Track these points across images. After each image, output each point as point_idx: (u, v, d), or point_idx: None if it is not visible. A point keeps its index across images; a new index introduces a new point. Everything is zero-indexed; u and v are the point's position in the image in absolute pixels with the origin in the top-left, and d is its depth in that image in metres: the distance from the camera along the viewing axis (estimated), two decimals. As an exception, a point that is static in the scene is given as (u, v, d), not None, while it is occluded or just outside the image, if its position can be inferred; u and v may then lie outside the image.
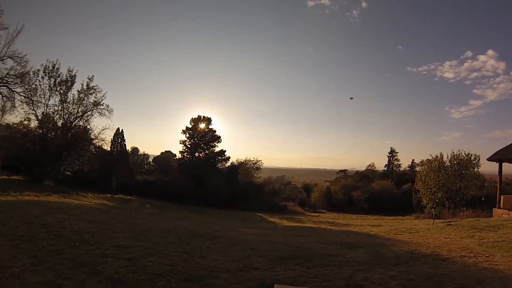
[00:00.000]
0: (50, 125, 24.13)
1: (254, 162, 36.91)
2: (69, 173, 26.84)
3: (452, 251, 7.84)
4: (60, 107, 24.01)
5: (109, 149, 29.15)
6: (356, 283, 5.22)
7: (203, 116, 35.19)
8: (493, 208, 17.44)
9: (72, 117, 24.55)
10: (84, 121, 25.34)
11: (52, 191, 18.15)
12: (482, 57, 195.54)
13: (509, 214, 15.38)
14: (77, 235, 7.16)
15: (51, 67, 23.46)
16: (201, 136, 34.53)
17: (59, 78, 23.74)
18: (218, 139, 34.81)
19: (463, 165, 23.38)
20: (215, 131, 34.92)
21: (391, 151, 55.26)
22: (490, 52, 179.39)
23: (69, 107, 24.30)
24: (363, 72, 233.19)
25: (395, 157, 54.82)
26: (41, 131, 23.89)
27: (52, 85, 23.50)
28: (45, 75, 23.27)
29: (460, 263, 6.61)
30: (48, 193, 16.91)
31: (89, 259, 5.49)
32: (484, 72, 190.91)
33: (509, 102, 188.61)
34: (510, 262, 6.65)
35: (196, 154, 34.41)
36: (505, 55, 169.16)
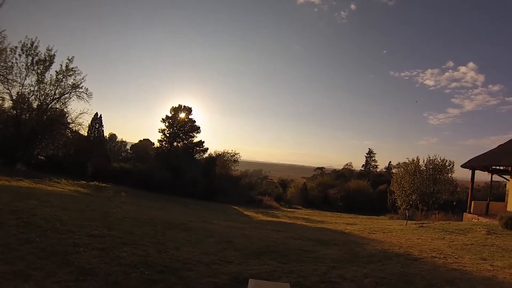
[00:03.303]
0: (24, 106, 23.10)
1: (232, 154, 37.12)
2: (42, 157, 25.90)
3: (423, 252, 8.09)
4: (36, 88, 22.97)
5: (86, 134, 28.09)
6: (330, 280, 5.28)
7: (184, 106, 34.90)
8: (464, 213, 18.05)
9: (49, 99, 23.56)
10: (61, 103, 24.40)
11: (24, 176, 17.50)
12: (463, 68, 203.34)
13: (478, 219, 15.96)
14: (49, 223, 6.90)
15: (29, 45, 22.35)
16: (180, 126, 34.18)
17: (37, 57, 22.66)
18: (197, 129, 34.60)
19: (438, 170, 24.03)
20: (194, 121, 34.72)
21: (369, 152, 56.41)
22: (471, 64, 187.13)
23: (46, 88, 23.27)
24: (346, 72, 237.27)
25: (373, 158, 56.02)
26: (15, 112, 22.82)
27: (29, 64, 22.42)
28: (23, 53, 22.16)
29: (431, 264, 6.84)
30: (20, 177, 16.28)
31: (61, 248, 5.30)
32: (463, 82, 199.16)
33: (485, 113, 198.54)
34: (478, 264, 6.92)
35: (175, 143, 34.12)
36: (485, 69, 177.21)
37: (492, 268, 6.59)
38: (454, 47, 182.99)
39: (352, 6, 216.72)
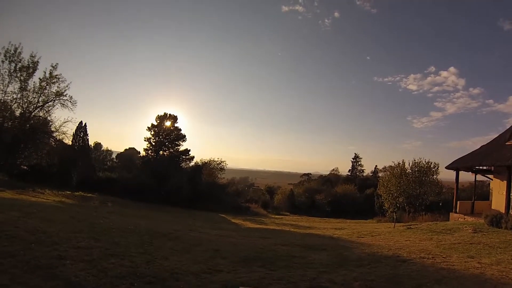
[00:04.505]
0: (7, 114, 22.52)
1: (218, 162, 36.77)
2: (25, 167, 25.25)
3: (411, 253, 8.19)
4: (19, 95, 22.44)
5: (70, 143, 27.59)
6: (320, 285, 5.29)
7: (169, 114, 34.61)
8: (450, 213, 18.34)
9: (32, 106, 23.04)
10: (44, 112, 23.87)
11: (6, 186, 17.06)
12: (444, 73, 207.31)
13: (464, 218, 16.25)
14: (33, 235, 6.72)
15: (12, 51, 21.88)
16: (166, 134, 33.84)
17: (20, 64, 22.17)
18: (183, 138, 34.27)
19: (423, 172, 24.43)
20: (180, 130, 34.40)
21: (355, 156, 57.00)
22: (452, 69, 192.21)
23: (29, 95, 22.77)
24: (330, 79, 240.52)
25: (359, 163, 56.54)
26: (-4, 119, 22.25)
27: (12, 71, 21.92)
28: (6, 59, 21.66)
29: (419, 264, 6.92)
30: (2, 188, 15.86)
31: (46, 261, 5.16)
32: (445, 86, 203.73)
33: (467, 116, 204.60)
34: (465, 262, 7.04)
35: (161, 152, 33.74)
36: (465, 73, 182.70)
37: (480, 266, 6.71)
38: (435, 53, 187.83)
39: (336, 14, 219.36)
